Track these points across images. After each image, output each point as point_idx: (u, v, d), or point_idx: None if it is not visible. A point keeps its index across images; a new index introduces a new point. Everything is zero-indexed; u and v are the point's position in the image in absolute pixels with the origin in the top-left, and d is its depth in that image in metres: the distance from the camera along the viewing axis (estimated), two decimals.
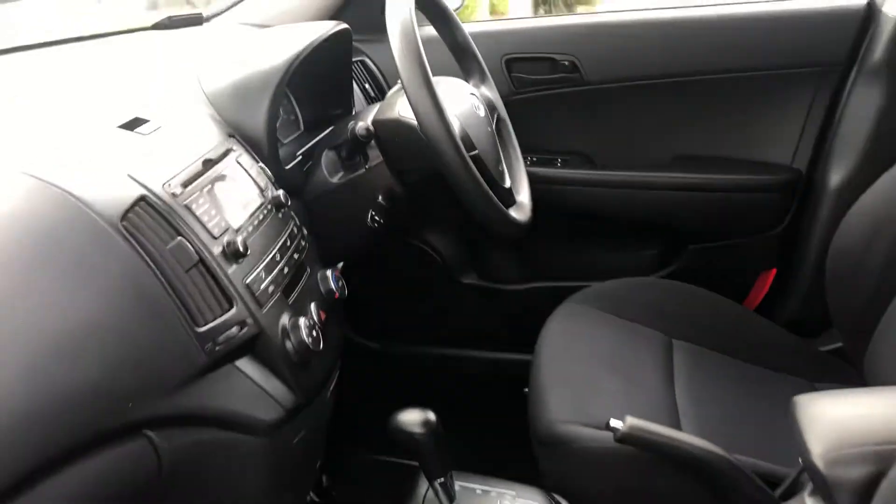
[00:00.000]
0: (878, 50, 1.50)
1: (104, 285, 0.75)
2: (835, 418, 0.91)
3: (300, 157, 1.25)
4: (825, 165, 1.59)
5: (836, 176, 1.56)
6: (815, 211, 1.61)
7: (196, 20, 1.57)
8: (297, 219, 1.12)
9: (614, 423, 1.08)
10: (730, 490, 1.07)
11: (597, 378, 1.25)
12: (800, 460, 1.04)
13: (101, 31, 1.45)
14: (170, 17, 1.53)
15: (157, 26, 1.53)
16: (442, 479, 1.08)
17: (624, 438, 1.07)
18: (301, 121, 1.41)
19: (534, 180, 1.45)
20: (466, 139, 1.20)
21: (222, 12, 1.63)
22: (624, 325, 1.39)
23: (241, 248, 0.90)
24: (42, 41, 1.30)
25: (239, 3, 1.64)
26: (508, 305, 1.82)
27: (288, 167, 1.20)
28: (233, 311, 0.88)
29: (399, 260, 1.82)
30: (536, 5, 3.76)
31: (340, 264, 1.33)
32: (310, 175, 1.25)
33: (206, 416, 0.85)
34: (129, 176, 0.84)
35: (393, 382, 1.92)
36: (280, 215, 1.06)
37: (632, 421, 1.07)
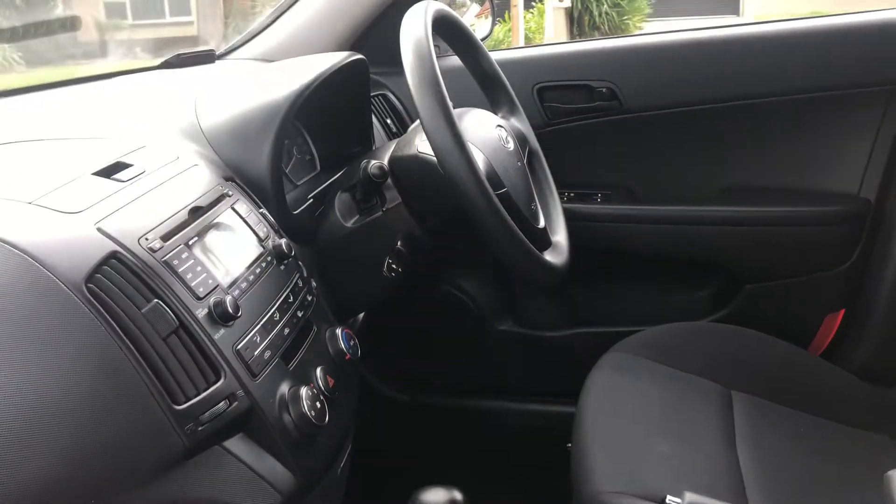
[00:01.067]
0: None
1: (64, 359, 0.65)
2: None
3: (311, 199, 1.15)
4: None
5: None
6: (888, 244, 1.49)
7: (207, 57, 1.50)
8: (303, 270, 1.00)
9: (671, 500, 0.96)
10: None
11: (648, 440, 1.14)
12: None
13: (105, 70, 1.39)
14: (178, 55, 1.46)
15: (165, 65, 1.45)
16: None
17: None
18: (317, 160, 1.32)
19: (572, 218, 1.35)
20: (493, 176, 1.09)
21: (235, 49, 1.56)
22: (676, 375, 1.29)
23: (230, 310, 0.79)
24: (41, 83, 1.24)
25: (253, 38, 1.56)
26: (548, 354, 1.72)
27: (297, 211, 1.09)
28: (220, 383, 0.76)
29: (428, 305, 1.73)
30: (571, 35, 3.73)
31: (361, 315, 1.22)
32: (322, 219, 1.15)
33: None
34: (98, 230, 0.74)
35: (423, 437, 1.83)
36: (282, 267, 0.95)
37: (692, 497, 0.95)
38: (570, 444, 1.19)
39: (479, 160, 1.08)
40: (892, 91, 1.47)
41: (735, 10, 13.68)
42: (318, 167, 1.31)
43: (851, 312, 1.57)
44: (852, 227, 1.53)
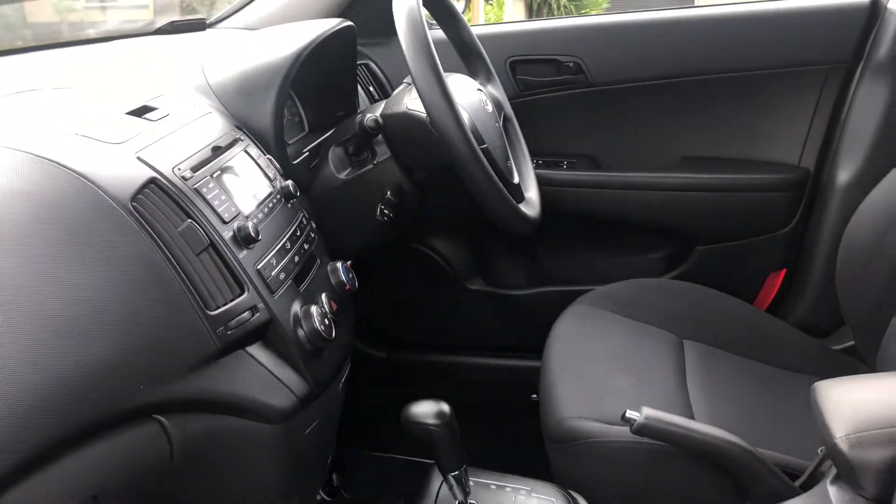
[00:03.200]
0: (884, 46, 1.51)
1: (115, 265, 0.74)
2: (857, 401, 0.91)
3: (307, 153, 1.24)
4: (833, 163, 1.59)
5: (843, 174, 1.56)
6: (824, 209, 1.60)
7: (199, 25, 1.57)
8: (306, 213, 1.10)
9: (630, 414, 1.06)
10: (749, 481, 1.05)
11: (608, 376, 1.24)
12: (819, 451, 1.03)
13: (104, 34, 1.45)
14: (172, 22, 1.52)
15: (159, 31, 1.52)
16: (456, 473, 1.06)
17: (641, 430, 1.05)
18: (306, 122, 1.40)
19: (541, 183, 1.44)
20: (475, 132, 1.19)
21: (225, 17, 1.63)
22: (634, 325, 1.38)
23: (252, 234, 0.89)
24: (42, 43, 1.30)
25: (242, 8, 1.63)
26: (516, 310, 1.80)
27: (296, 162, 1.18)
28: (244, 296, 0.87)
29: (405, 267, 1.80)
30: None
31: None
32: (317, 172, 1.24)
33: (218, 402, 0.83)
34: (138, 159, 0.83)
35: (400, 391, 1.88)
36: (290, 206, 1.05)
37: (649, 411, 1.06)
38: (534, 396, 1.29)
39: (464, 117, 1.17)
40: (828, 69, 1.57)
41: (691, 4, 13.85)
42: (307, 129, 1.39)
43: (792, 271, 1.68)
44: (793, 193, 1.63)
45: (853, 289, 1.34)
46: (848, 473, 0.87)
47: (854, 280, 1.33)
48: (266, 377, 0.89)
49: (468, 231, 1.78)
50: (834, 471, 0.99)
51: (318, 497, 1.16)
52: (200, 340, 0.80)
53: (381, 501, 1.14)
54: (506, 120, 1.43)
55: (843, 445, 0.85)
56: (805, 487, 1.04)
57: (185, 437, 0.79)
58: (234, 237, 0.89)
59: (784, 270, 1.69)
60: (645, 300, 1.47)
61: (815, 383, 0.98)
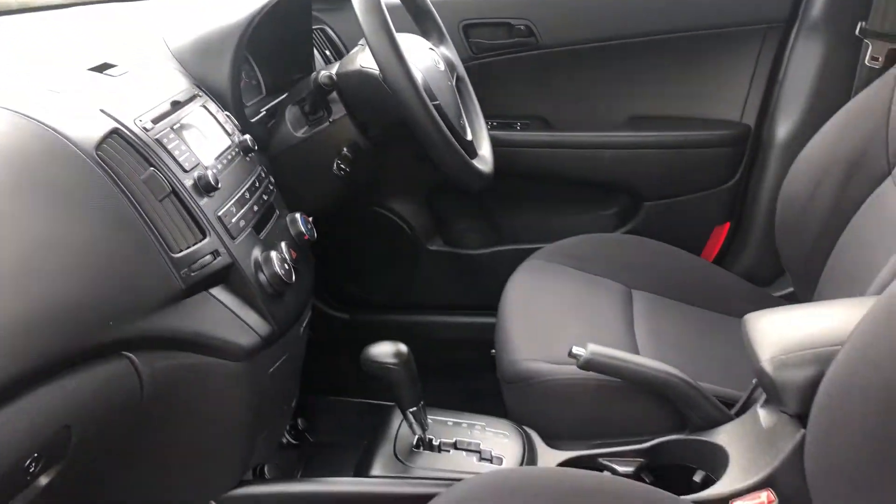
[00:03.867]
0: (816, 7, 1.58)
1: (83, 209, 0.78)
2: (780, 328, 0.98)
3: (264, 112, 1.28)
4: (772, 119, 1.66)
5: (782, 129, 1.63)
6: (765, 164, 1.68)
7: None
8: (264, 168, 1.14)
9: (577, 349, 1.13)
10: (688, 410, 1.12)
11: (559, 323, 1.30)
12: (752, 381, 1.11)
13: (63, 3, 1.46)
14: None
15: None
16: (414, 409, 1.12)
17: (587, 364, 1.12)
18: (263, 85, 1.43)
19: (495, 144, 1.48)
20: (428, 90, 1.23)
21: None
22: (585, 277, 1.44)
23: (212, 182, 0.94)
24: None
25: None
26: (474, 269, 1.85)
27: (253, 121, 1.22)
28: (206, 240, 0.92)
29: (365, 229, 1.84)
30: None
31: None
32: (274, 131, 1.28)
33: (185, 340, 0.88)
34: (101, 111, 0.87)
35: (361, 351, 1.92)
36: (248, 159, 1.09)
37: (594, 347, 1.12)
38: (493, 350, 1.35)
39: (417, 75, 1.21)
40: (766, 30, 1.64)
41: None
42: (264, 91, 1.43)
43: (736, 224, 1.75)
44: (735, 149, 1.70)
45: (791, 238, 1.41)
46: (773, 393, 0.95)
47: (791, 229, 1.40)
48: (230, 317, 0.94)
49: (427, 193, 1.82)
50: (764, 396, 1.06)
51: (285, 440, 1.21)
52: (165, 281, 0.85)
53: (344, 443, 1.19)
54: (458, 80, 1.47)
55: (768, 367, 0.93)
56: (739, 415, 1.12)
57: (154, 373, 0.84)
58: (195, 185, 0.93)
59: (728, 223, 1.76)
60: (596, 254, 1.52)
61: (745, 315, 1.05)
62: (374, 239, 1.85)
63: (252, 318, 0.97)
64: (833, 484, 0.82)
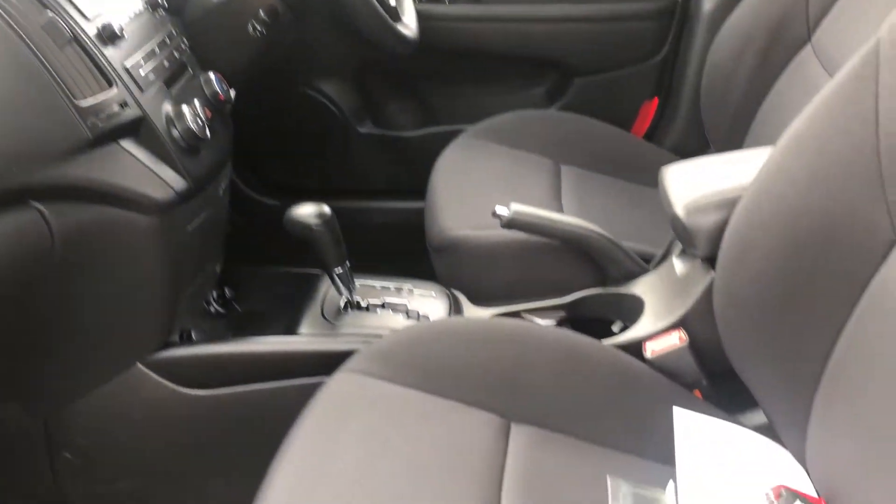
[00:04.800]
0: None
1: None
2: (693, 176, 1.01)
3: None
4: None
5: (708, 0, 1.62)
6: (692, 36, 1.67)
7: None
8: (177, 28, 1.11)
9: (500, 209, 1.14)
10: (608, 265, 1.16)
11: (486, 195, 1.30)
12: (670, 237, 1.14)
13: None
14: None
15: None
16: (340, 271, 1.12)
17: (510, 223, 1.14)
18: None
19: (423, 19, 1.46)
20: None
21: None
22: (513, 153, 1.45)
23: (116, 31, 0.91)
24: None
25: None
26: (406, 152, 1.84)
27: None
28: (113, 90, 0.89)
29: (294, 112, 1.79)
30: None
31: None
32: None
33: (96, 191, 0.87)
34: None
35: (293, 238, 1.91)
36: (157, 16, 1.06)
37: (517, 206, 1.14)
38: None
39: None
40: None
41: None
42: None
43: (665, 98, 1.77)
44: (662, 22, 1.70)
45: (715, 107, 1.43)
46: (685, 237, 0.98)
47: (716, 99, 1.42)
48: (142, 170, 0.92)
49: (355, 73, 1.78)
50: (679, 246, 1.10)
51: (213, 309, 1.21)
52: (71, 128, 0.83)
53: (273, 311, 1.20)
54: None
55: (680, 213, 0.96)
56: (656, 268, 1.16)
57: (65, 225, 0.82)
58: (99, 34, 0.91)
59: (657, 98, 1.77)
60: (525, 131, 1.53)
61: (662, 167, 1.07)
62: (303, 123, 1.81)
63: (167, 173, 0.95)
64: (739, 317, 0.86)
